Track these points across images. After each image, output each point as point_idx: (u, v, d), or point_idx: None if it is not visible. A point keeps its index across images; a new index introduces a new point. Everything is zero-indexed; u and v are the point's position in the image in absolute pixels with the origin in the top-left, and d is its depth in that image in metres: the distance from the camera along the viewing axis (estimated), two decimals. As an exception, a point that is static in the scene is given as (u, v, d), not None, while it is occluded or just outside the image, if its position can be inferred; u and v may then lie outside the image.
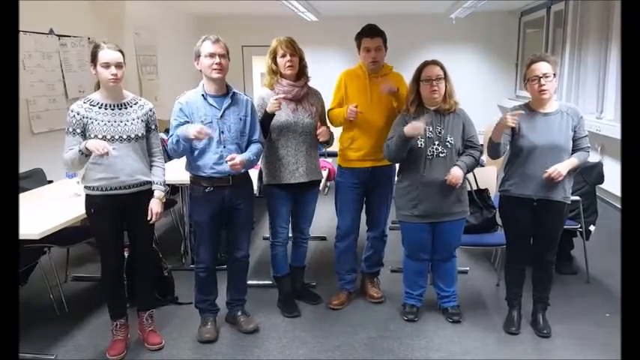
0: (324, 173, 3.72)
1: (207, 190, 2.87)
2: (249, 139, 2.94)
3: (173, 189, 4.48)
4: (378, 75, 3.24)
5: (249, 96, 3.00)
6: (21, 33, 4.54)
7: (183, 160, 2.97)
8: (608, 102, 5.83)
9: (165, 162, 3.00)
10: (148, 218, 2.77)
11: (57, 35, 5.13)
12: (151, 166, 2.85)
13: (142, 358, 2.88)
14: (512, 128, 2.87)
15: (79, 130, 2.65)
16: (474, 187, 3.60)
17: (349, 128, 3.28)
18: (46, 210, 3.08)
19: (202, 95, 2.84)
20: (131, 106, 2.76)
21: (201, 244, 2.98)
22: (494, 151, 2.89)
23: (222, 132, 2.83)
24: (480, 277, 3.87)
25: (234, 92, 2.90)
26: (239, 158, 2.77)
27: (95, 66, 2.63)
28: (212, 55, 2.76)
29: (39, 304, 3.46)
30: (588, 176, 3.77)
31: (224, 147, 2.83)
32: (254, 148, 2.94)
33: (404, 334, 3.09)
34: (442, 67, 2.99)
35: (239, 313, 3.16)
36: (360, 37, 3.22)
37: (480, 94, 8.56)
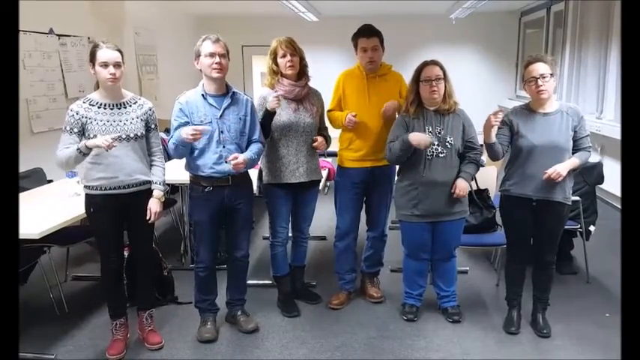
0: (324, 173, 3.73)
1: (206, 190, 2.87)
2: (249, 138, 2.94)
3: (173, 188, 4.48)
4: (376, 75, 3.24)
5: (249, 96, 3.00)
6: (21, 33, 4.54)
7: (183, 159, 2.97)
8: (608, 102, 5.83)
9: (165, 162, 3.00)
10: (147, 218, 2.77)
11: (57, 35, 5.13)
12: (151, 165, 2.85)
13: (142, 358, 2.88)
14: (511, 128, 2.88)
15: (76, 130, 2.65)
16: (474, 187, 3.59)
17: (348, 129, 3.28)
18: (46, 209, 3.08)
19: (202, 95, 2.84)
20: (130, 106, 2.76)
21: (201, 244, 2.98)
22: (491, 152, 2.91)
23: (222, 132, 2.83)
24: (479, 277, 3.87)
25: (234, 92, 2.90)
26: (242, 157, 2.77)
27: (94, 65, 2.63)
28: (212, 55, 2.76)
29: (39, 303, 3.46)
30: (588, 176, 3.77)
31: (224, 147, 2.83)
32: (255, 147, 2.94)
33: (404, 334, 3.09)
34: (442, 68, 2.99)
35: (239, 313, 3.16)
36: (356, 37, 3.22)
37: (480, 94, 8.55)
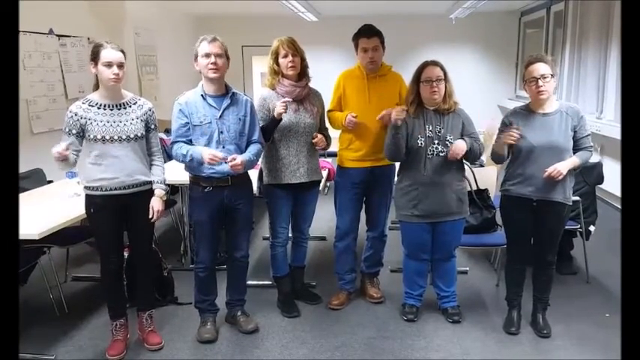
0: (324, 173, 3.72)
1: (206, 190, 2.87)
2: (248, 139, 2.94)
3: (173, 189, 4.48)
4: (376, 75, 3.24)
5: (249, 96, 3.00)
6: (21, 33, 4.54)
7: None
8: (608, 102, 5.82)
9: (165, 162, 3.01)
10: (150, 216, 2.77)
11: (57, 35, 5.12)
12: (151, 165, 2.85)
13: (142, 358, 2.88)
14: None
15: (74, 131, 2.65)
16: (474, 188, 3.60)
17: (348, 129, 3.28)
18: (46, 210, 3.08)
19: (202, 95, 2.84)
20: (130, 106, 2.76)
21: (201, 244, 2.98)
22: (498, 159, 2.96)
23: (222, 132, 2.83)
24: (479, 278, 3.87)
25: (233, 92, 2.90)
26: (240, 159, 2.77)
27: (96, 65, 2.63)
28: (208, 55, 2.76)
29: (39, 304, 3.46)
30: (588, 176, 3.77)
31: (223, 147, 2.83)
32: (254, 148, 2.93)
33: (404, 334, 3.09)
34: (442, 68, 2.99)
35: (239, 313, 3.16)
36: (357, 37, 3.22)
37: (480, 94, 8.54)
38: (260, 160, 3.14)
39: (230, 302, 3.19)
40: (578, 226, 3.70)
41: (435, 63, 3.00)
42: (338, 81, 3.32)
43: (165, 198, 2.87)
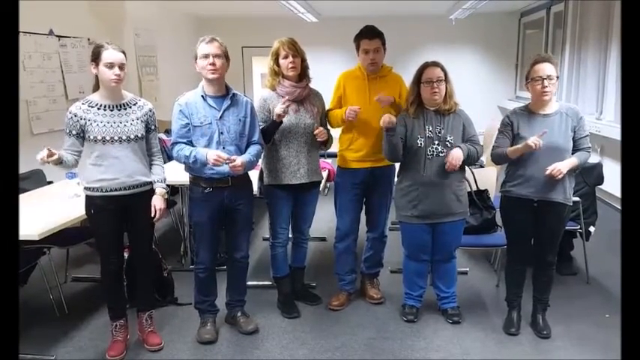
0: (324, 174, 3.72)
1: (206, 191, 2.87)
2: (248, 140, 2.94)
3: (173, 190, 4.48)
4: (376, 76, 3.24)
5: (249, 97, 3.00)
6: (21, 34, 4.54)
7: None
8: (608, 103, 5.82)
9: (165, 163, 3.01)
10: (152, 214, 2.77)
11: (57, 36, 5.12)
12: (151, 165, 2.85)
13: (142, 359, 2.88)
14: (512, 130, 2.88)
15: (74, 132, 2.65)
16: (474, 188, 3.60)
17: (348, 129, 3.28)
18: (46, 211, 3.08)
19: (202, 96, 2.84)
20: (130, 107, 2.76)
21: (201, 245, 2.98)
22: (501, 161, 2.95)
23: (222, 133, 2.83)
24: (479, 278, 3.87)
25: (233, 93, 2.90)
26: (240, 160, 2.77)
27: (97, 65, 2.63)
28: (206, 56, 2.76)
29: (39, 304, 3.46)
30: (588, 177, 3.77)
31: (223, 148, 2.83)
32: (254, 149, 2.93)
33: (404, 334, 3.09)
34: (443, 69, 2.99)
35: (239, 314, 3.16)
36: (358, 38, 3.22)
37: (480, 94, 8.55)
38: (260, 160, 3.14)
39: (230, 303, 3.18)
40: (578, 226, 3.70)
41: (435, 64, 3.00)
42: (338, 81, 3.32)
43: (166, 196, 2.87)
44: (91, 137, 2.65)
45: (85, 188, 2.74)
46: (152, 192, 2.81)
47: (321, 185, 3.42)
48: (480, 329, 3.13)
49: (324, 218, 4.43)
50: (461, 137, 3.02)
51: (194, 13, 8.64)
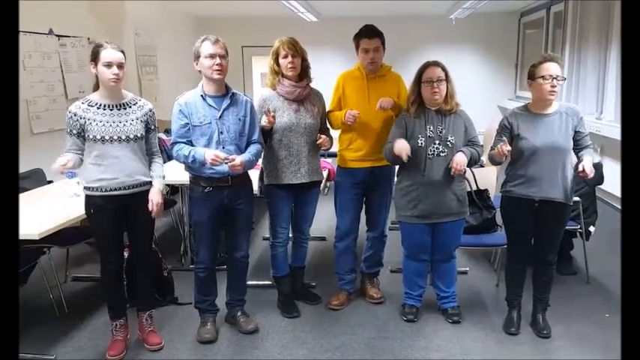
0: (325, 173, 3.72)
1: (206, 191, 2.87)
2: (248, 139, 2.94)
3: (173, 189, 4.48)
4: (376, 76, 3.24)
5: (248, 96, 3.00)
6: (21, 33, 4.54)
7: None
8: (608, 102, 5.82)
9: (165, 162, 3.00)
10: (150, 209, 2.76)
11: (57, 35, 5.12)
12: (150, 164, 2.85)
13: (142, 359, 2.88)
14: (511, 131, 2.87)
15: (74, 131, 2.66)
16: (474, 188, 3.60)
17: (348, 129, 3.28)
18: (46, 210, 3.08)
19: (201, 96, 2.84)
20: (130, 107, 2.76)
21: (201, 245, 2.98)
22: (496, 163, 2.97)
23: (221, 132, 2.83)
24: (479, 278, 3.87)
25: (233, 92, 2.90)
26: (239, 159, 2.77)
27: (96, 65, 2.63)
28: (212, 56, 2.75)
29: (39, 304, 3.46)
30: (588, 177, 3.77)
31: (223, 147, 2.83)
32: (253, 148, 2.93)
33: (403, 334, 3.09)
34: (444, 69, 2.99)
35: (239, 314, 3.16)
36: (358, 37, 3.22)
37: (480, 94, 8.54)
38: (261, 160, 3.14)
39: (230, 302, 3.18)
40: (579, 226, 3.70)
41: (436, 63, 3.00)
42: (337, 82, 3.32)
43: (164, 192, 2.86)
44: (91, 137, 2.65)
45: (85, 188, 2.74)
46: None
47: (322, 185, 3.42)
48: (480, 329, 3.13)
49: (324, 218, 4.42)
50: (462, 138, 3.01)
51: (194, 13, 8.64)
